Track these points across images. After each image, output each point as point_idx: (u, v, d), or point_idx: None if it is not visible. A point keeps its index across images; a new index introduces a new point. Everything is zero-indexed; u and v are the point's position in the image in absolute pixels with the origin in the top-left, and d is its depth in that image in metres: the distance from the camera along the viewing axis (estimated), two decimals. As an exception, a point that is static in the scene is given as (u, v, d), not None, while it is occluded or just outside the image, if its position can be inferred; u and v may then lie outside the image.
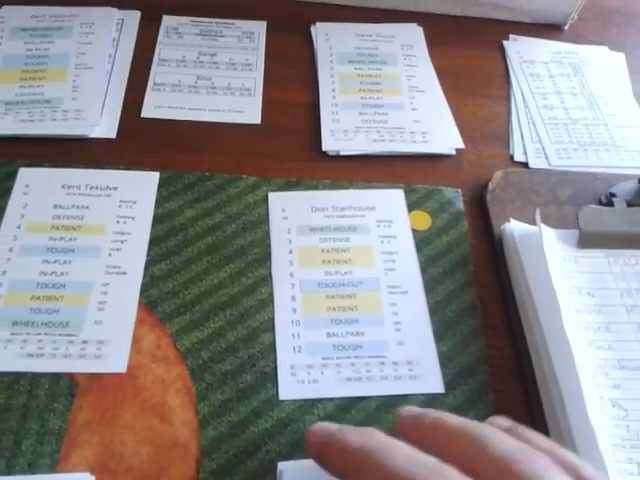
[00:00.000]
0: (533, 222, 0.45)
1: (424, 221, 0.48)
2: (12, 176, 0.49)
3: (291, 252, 0.46)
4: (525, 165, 0.53)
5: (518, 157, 0.53)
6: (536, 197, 0.49)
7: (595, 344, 0.40)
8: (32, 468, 0.36)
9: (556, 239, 0.45)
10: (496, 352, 0.42)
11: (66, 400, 0.39)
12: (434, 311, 0.44)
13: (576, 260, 0.44)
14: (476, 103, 0.57)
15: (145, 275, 0.45)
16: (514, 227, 0.46)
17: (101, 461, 0.37)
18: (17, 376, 0.40)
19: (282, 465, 0.36)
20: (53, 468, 0.36)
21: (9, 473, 0.36)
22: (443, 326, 0.43)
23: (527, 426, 0.28)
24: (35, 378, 0.39)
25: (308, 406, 0.39)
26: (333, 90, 0.57)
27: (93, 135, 0.52)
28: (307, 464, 0.36)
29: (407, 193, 0.50)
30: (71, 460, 0.37)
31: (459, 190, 0.50)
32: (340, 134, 0.53)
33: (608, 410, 0.37)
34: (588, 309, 0.42)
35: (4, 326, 0.41)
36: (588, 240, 0.45)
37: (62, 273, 0.44)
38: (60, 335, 0.41)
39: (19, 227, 0.46)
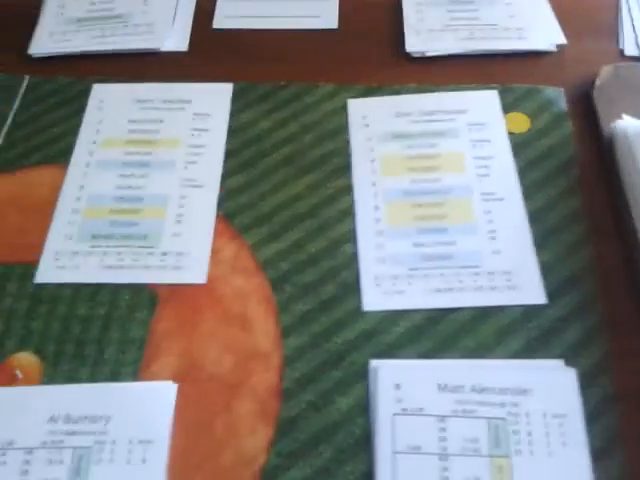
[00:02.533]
0: (650, 119, 0.39)
1: (522, 123, 0.43)
2: (86, 93, 0.48)
3: (373, 161, 0.43)
4: (638, 60, 0.46)
5: (629, 51, 0.47)
6: (652, 93, 0.43)
7: None
8: (115, 376, 0.36)
9: (678, 136, 0.39)
10: (605, 261, 0.38)
11: (147, 310, 0.38)
12: (534, 218, 0.39)
13: (702, 159, 0.39)
14: (579, -8, 0.51)
15: (221, 187, 0.43)
16: (627, 124, 0.40)
17: (183, 370, 0.36)
18: (98, 287, 0.39)
19: (375, 362, 0.35)
20: (135, 376, 0.36)
21: (94, 381, 0.36)
22: (544, 234, 0.39)
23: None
24: (116, 289, 0.39)
25: (394, 317, 0.37)
26: (417, -13, 0.52)
27: (165, 48, 0.50)
28: (401, 362, 0.34)
29: (502, 94, 0.45)
30: (152, 369, 0.36)
31: (561, 89, 0.45)
32: (425, 34, 0.48)
33: None
34: None
35: (84, 239, 0.41)
36: None
37: (138, 187, 0.43)
38: (139, 247, 0.41)
39: (94, 142, 0.45)
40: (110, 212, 0.42)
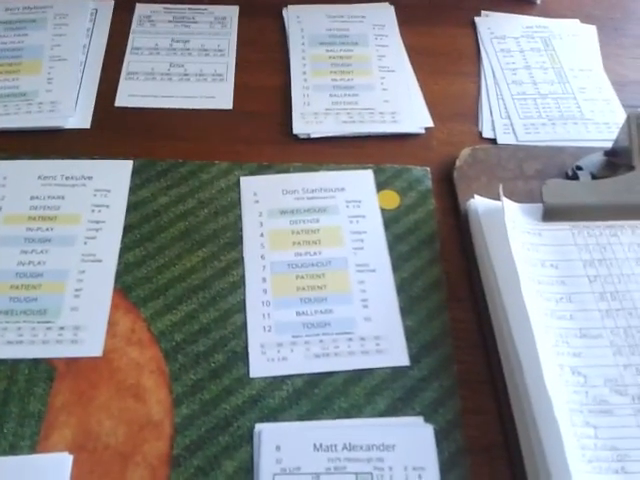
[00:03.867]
0: (499, 197, 0.46)
1: (393, 200, 0.49)
2: (-11, 169, 0.50)
3: (262, 235, 0.47)
4: (493, 141, 0.53)
5: (487, 134, 0.54)
6: (503, 172, 0.50)
7: (557, 314, 0.41)
8: (13, 450, 0.38)
9: (520, 213, 0.46)
10: (461, 325, 0.43)
11: (45, 384, 0.40)
12: (401, 287, 0.45)
13: (540, 233, 0.45)
14: (446, 81, 0.58)
15: (120, 262, 0.46)
16: (478, 203, 0.46)
17: (79, 441, 0.38)
18: (-2, 363, 0.41)
19: (260, 426, 0.38)
20: (33, 449, 0.38)
21: (-8, 455, 0.38)
22: (409, 301, 0.44)
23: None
24: (15, 364, 0.41)
25: (277, 382, 0.40)
26: (304, 73, 0.57)
27: (68, 126, 0.53)
28: (282, 425, 0.38)
29: (376, 173, 0.51)
30: (50, 441, 0.38)
31: (427, 168, 0.51)
32: (310, 117, 0.54)
33: (567, 377, 0.39)
34: (551, 280, 0.43)
35: (-16, 315, 0.43)
36: (552, 213, 0.46)
37: (39, 262, 0.45)
38: (38, 322, 0.43)
39: (-3, 219, 0.48)
40: (10, 288, 0.44)
